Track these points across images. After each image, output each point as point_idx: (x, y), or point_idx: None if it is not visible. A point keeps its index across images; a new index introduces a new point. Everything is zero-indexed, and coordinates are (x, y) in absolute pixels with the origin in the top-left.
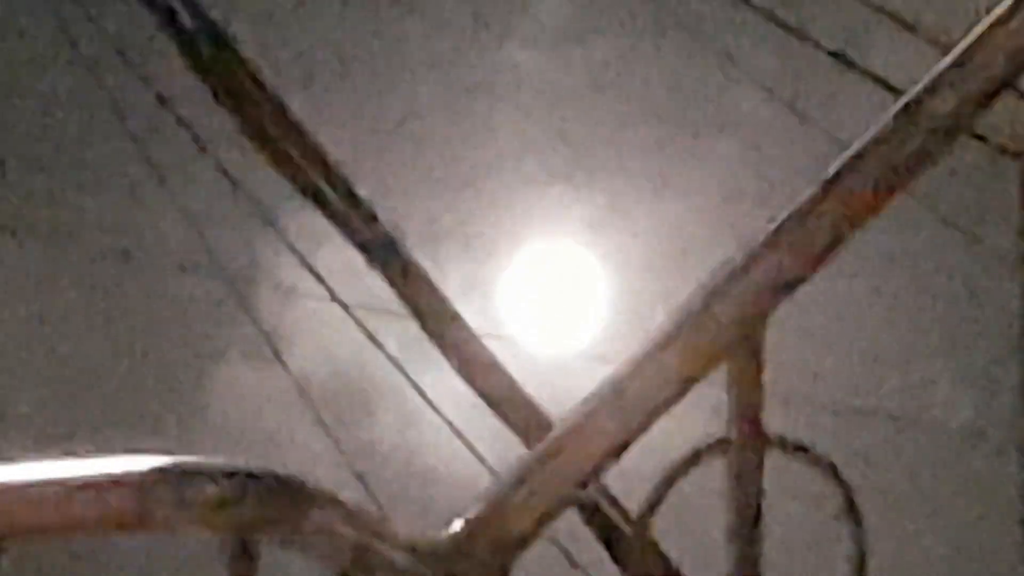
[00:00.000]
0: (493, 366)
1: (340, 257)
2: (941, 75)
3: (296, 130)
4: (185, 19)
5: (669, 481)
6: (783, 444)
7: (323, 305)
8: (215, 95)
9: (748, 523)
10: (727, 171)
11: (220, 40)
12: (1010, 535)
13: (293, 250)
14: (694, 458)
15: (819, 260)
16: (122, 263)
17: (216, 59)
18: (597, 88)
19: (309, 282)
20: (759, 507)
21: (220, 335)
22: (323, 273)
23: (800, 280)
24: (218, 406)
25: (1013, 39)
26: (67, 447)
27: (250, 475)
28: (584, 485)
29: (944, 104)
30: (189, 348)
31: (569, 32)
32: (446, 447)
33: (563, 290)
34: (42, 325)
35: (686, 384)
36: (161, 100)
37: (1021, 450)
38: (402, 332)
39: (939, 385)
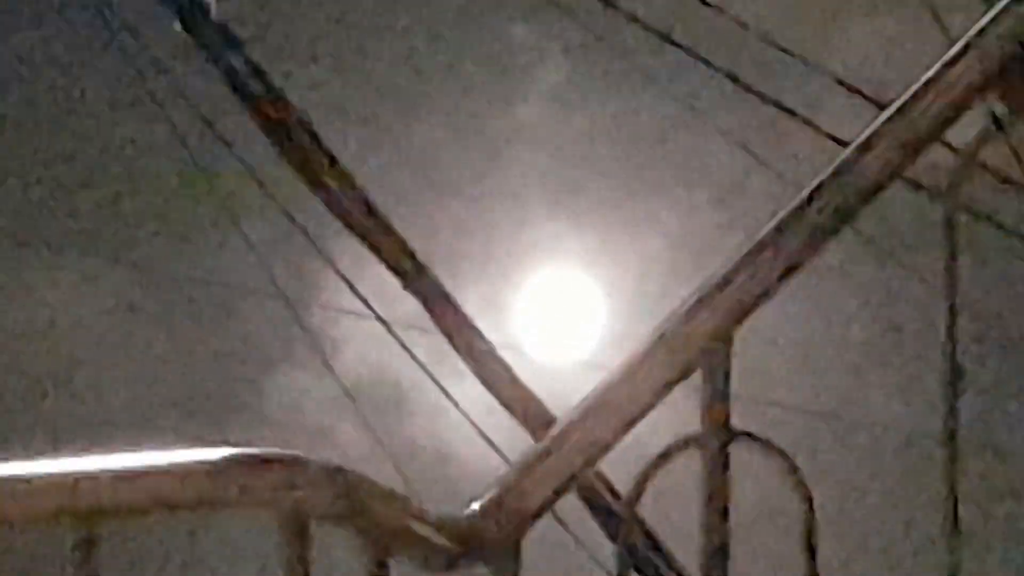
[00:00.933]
0: (507, 373)
1: (380, 282)
2: (876, 132)
3: (345, 177)
4: (243, 74)
5: (653, 468)
6: (746, 437)
7: (366, 322)
8: (276, 146)
9: (718, 504)
10: (701, 212)
11: (279, 98)
12: (934, 521)
13: (341, 276)
14: (673, 449)
15: (774, 288)
16: (197, 287)
17: (275, 116)
18: (592, 140)
19: (354, 302)
20: (727, 490)
21: (278, 348)
22: (366, 295)
23: (756, 305)
24: (277, 407)
25: (940, 100)
26: (153, 442)
27: (305, 464)
28: (582, 471)
29: (876, 160)
30: (252, 360)
31: (570, 93)
32: (468, 441)
33: (565, 309)
34: (131, 338)
35: (666, 388)
36: (227, 144)
37: (943, 447)
38: (431, 345)
39: (877, 389)
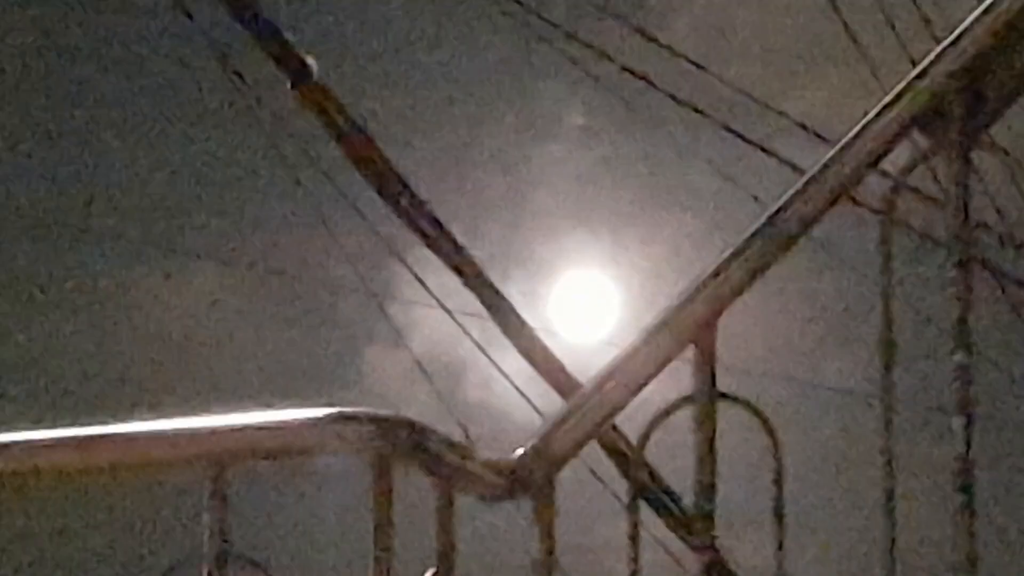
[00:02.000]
0: (543, 350)
1: (443, 279)
2: (827, 162)
3: (415, 198)
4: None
5: (657, 421)
6: (728, 397)
7: (433, 311)
8: (362, 173)
9: (707, 451)
10: (693, 225)
11: (365, 136)
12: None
13: (413, 274)
14: (672, 407)
15: (749, 283)
16: (299, 284)
17: (360, 151)
18: (608, 171)
19: (422, 294)
20: (714, 440)
21: (364, 332)
22: (432, 288)
23: (735, 297)
24: (364, 377)
25: (876, 139)
26: (267, 405)
27: (389, 420)
28: (602, 425)
29: (827, 184)
30: (342, 341)
31: (588, 135)
32: (514, 403)
33: (588, 300)
34: (246, 325)
35: (667, 360)
36: (323, 173)
37: (885, 407)
38: (484, 328)
39: (834, 355)
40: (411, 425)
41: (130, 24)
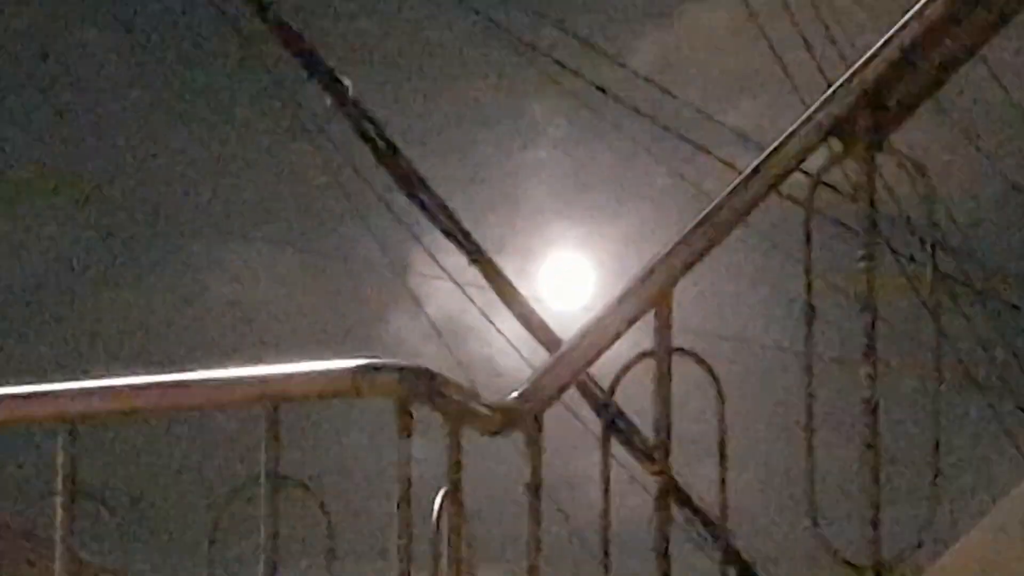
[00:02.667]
0: (533, 314)
1: (453, 258)
2: (760, 164)
3: (431, 192)
4: (370, 132)
5: (623, 372)
6: (681, 351)
7: (444, 283)
8: (391, 175)
9: (665, 396)
10: (654, 216)
11: (395, 150)
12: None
13: (428, 252)
14: (636, 359)
15: (698, 259)
16: (334, 261)
17: (391, 163)
18: (583, 170)
19: (436, 270)
20: (670, 388)
21: (390, 301)
22: (444, 265)
23: (685, 271)
24: (388, 337)
25: (798, 143)
26: (312, 357)
27: (409, 369)
28: (579, 374)
29: (759, 181)
30: (372, 308)
31: (566, 140)
32: (509, 356)
33: (570, 274)
34: (293, 294)
35: (632, 321)
36: (355, 171)
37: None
38: (486, 298)
39: (766, 319)
40: (427, 373)
41: (210, 64)
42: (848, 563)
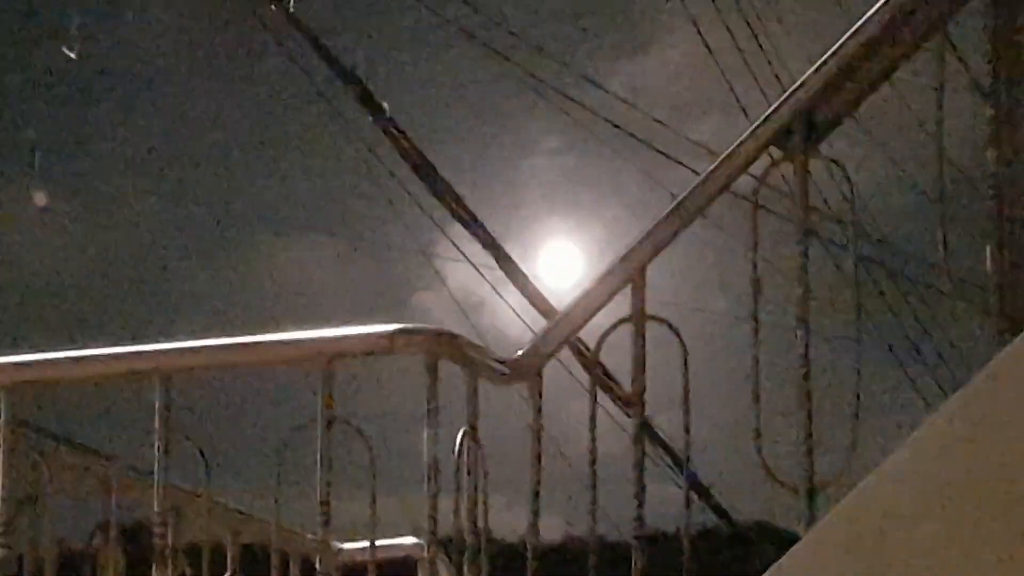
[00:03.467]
0: (534, 289)
1: (470, 245)
2: (715, 168)
3: (448, 186)
4: (394, 134)
5: (606, 334)
6: (653, 318)
7: (463, 264)
8: (413, 169)
9: (639, 357)
10: (631, 212)
11: (414, 145)
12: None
13: (449, 239)
14: (616, 324)
15: (665, 245)
16: (371, 247)
17: (410, 152)
18: (572, 174)
19: (456, 254)
20: (643, 347)
21: (418, 279)
22: (464, 251)
23: (655, 255)
24: (417, 307)
25: (745, 150)
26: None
27: (437, 332)
28: (571, 336)
29: (714, 181)
30: (403, 286)
31: (559, 150)
32: (515, 323)
33: (562, 257)
34: (337, 277)
35: (612, 294)
36: (392, 174)
37: (753, 325)
38: (497, 276)
39: (720, 293)
40: (451, 335)
41: (279, 96)
42: (787, 484)
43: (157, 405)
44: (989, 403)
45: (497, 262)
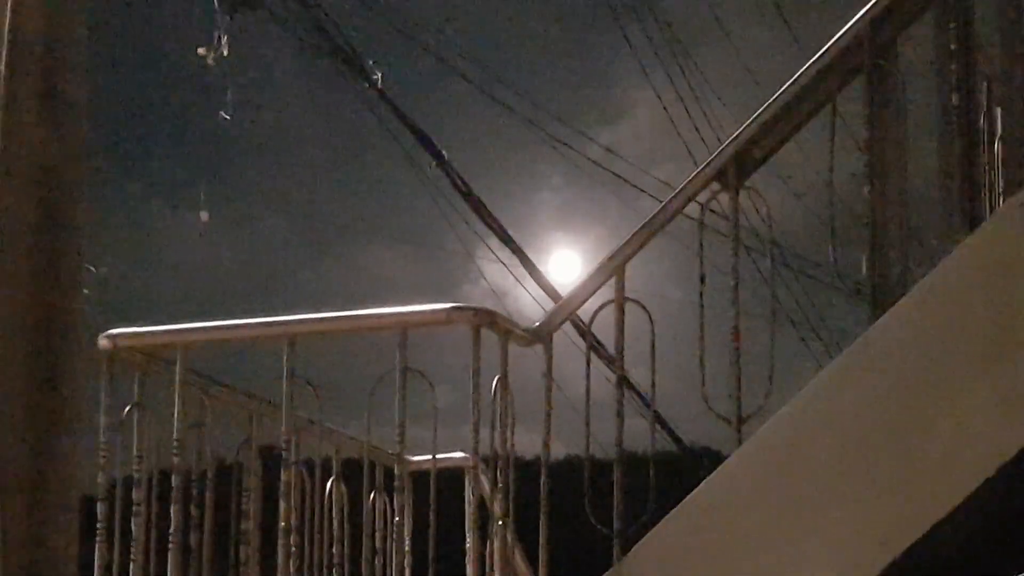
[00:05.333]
0: (546, 282)
1: (500, 251)
2: (674, 197)
3: (485, 208)
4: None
5: (596, 312)
6: (632, 302)
7: (496, 263)
8: (459, 192)
9: (620, 328)
10: (613, 229)
11: (460, 176)
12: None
13: (488, 247)
14: (604, 305)
15: (636, 251)
16: (430, 252)
17: (456, 181)
18: (571, 204)
19: (491, 256)
20: (623, 323)
21: (462, 276)
22: (497, 254)
23: (633, 255)
24: (463, 294)
25: (693, 186)
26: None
27: (480, 308)
28: (570, 315)
29: (672, 205)
30: (452, 280)
31: (560, 186)
32: (533, 306)
33: (567, 257)
34: (398, 274)
35: (602, 283)
36: (449, 202)
37: (700, 311)
38: (520, 272)
39: (677, 287)
40: (489, 310)
41: (358, 133)
42: (723, 417)
43: (285, 359)
44: (863, 360)
45: (520, 262)
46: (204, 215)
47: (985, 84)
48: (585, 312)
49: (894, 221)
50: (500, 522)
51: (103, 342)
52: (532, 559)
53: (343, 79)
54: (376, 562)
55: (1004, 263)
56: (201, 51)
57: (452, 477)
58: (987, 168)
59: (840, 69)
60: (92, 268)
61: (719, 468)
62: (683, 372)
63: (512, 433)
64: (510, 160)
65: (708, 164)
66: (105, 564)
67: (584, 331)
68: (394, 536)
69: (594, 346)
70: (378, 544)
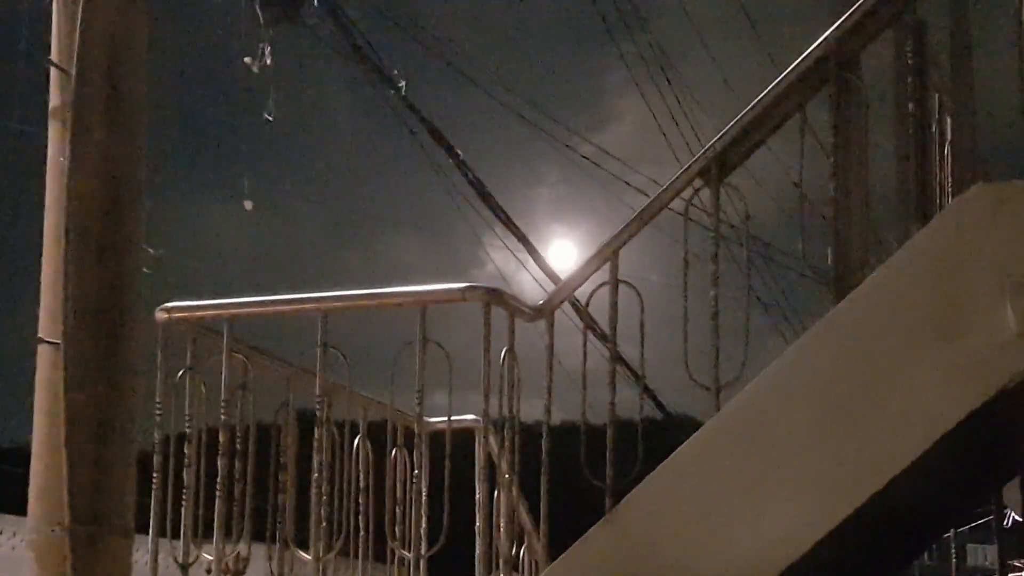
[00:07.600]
0: (547, 267)
1: (507, 238)
2: (659, 195)
3: (494, 200)
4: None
5: (592, 294)
6: (624, 283)
7: (503, 249)
8: (471, 186)
9: (613, 308)
10: (605, 222)
11: (476, 177)
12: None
13: (496, 234)
14: (599, 287)
15: (627, 241)
16: (444, 240)
17: (472, 180)
18: (569, 200)
19: (499, 243)
20: (615, 302)
21: (472, 260)
22: (504, 241)
23: (623, 245)
24: (473, 277)
25: (678, 183)
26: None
27: (491, 288)
28: (570, 294)
29: (656, 203)
30: (463, 264)
31: (558, 184)
32: (535, 287)
33: (565, 246)
34: (416, 258)
35: (598, 268)
36: (462, 195)
37: (684, 293)
38: (523, 257)
39: (663, 272)
40: (498, 290)
41: (387, 138)
42: (703, 386)
43: (320, 331)
44: (825, 338)
45: (524, 247)
46: (248, 204)
47: (937, 96)
48: (582, 293)
49: (856, 217)
50: (507, 476)
51: (159, 314)
52: (534, 509)
53: (371, 86)
54: (397, 511)
55: (950, 254)
56: (247, 60)
57: (464, 437)
58: (938, 170)
59: (810, 81)
60: (151, 250)
61: (699, 431)
62: (669, 345)
63: (518, 399)
64: (513, 158)
65: (694, 163)
66: (160, 510)
67: (581, 310)
68: (413, 488)
69: (590, 324)
70: (399, 495)
